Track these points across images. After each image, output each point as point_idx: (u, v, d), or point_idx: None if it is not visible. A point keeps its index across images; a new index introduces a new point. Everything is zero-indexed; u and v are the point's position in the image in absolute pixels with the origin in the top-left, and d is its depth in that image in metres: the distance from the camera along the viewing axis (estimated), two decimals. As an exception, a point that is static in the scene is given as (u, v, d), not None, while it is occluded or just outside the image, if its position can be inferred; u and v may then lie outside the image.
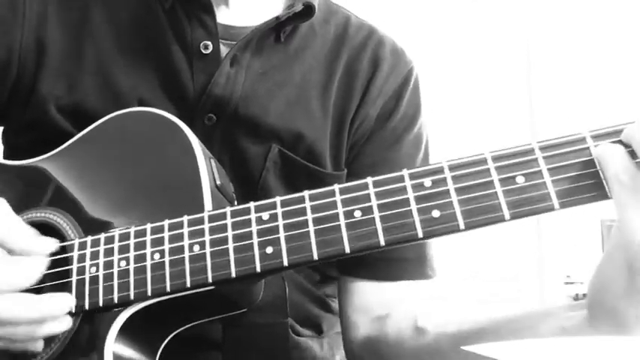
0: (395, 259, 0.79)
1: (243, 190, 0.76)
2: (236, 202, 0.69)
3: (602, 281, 0.51)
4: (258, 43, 0.78)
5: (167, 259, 0.58)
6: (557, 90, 2.73)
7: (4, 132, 0.86)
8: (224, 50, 0.78)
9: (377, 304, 0.79)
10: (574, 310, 0.56)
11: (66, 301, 0.58)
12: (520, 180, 0.51)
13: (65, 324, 0.58)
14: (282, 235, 0.55)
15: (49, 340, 0.60)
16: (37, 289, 0.65)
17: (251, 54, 0.78)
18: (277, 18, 0.78)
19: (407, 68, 0.86)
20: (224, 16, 0.79)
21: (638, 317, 0.48)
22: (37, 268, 0.59)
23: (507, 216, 0.50)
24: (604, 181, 0.49)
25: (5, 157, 0.81)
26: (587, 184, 0.49)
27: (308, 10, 0.79)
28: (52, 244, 0.61)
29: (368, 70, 0.83)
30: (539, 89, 2.84)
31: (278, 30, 0.79)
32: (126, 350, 0.60)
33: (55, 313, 0.57)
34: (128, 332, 0.60)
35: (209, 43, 0.76)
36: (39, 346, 0.59)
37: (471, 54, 2.77)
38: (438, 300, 0.80)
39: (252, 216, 0.57)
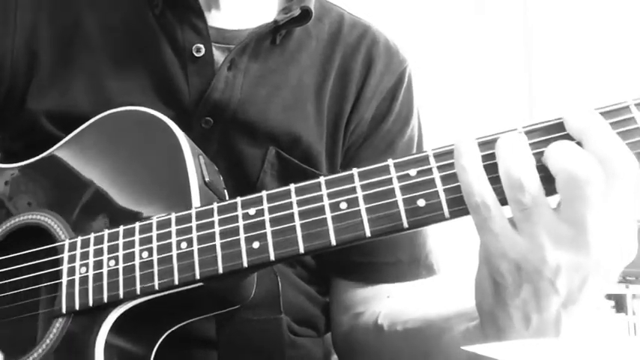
0: (388, 262, 0.80)
1: (240, 191, 0.75)
2: (227, 198, 0.69)
3: (478, 290, 0.53)
4: (255, 46, 0.78)
5: (155, 257, 0.58)
6: (556, 81, 2.71)
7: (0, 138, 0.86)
8: (217, 54, 0.78)
9: (358, 301, 0.80)
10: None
11: None
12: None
13: None
14: (268, 229, 0.55)
15: (38, 342, 0.60)
16: (30, 291, 0.65)
17: (248, 57, 0.78)
18: (275, 22, 0.78)
19: (401, 67, 0.85)
20: (215, 19, 0.79)
21: (510, 320, 0.51)
22: None
23: (493, 203, 0.49)
24: None
25: (2, 161, 0.81)
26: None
27: (305, 14, 0.78)
28: None
29: (362, 71, 0.82)
30: (538, 80, 2.82)
31: (274, 33, 0.79)
32: (118, 350, 0.60)
33: None
34: (120, 332, 0.60)
35: (201, 46, 0.76)
36: None
37: (470, 45, 2.76)
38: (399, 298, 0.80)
39: (239, 212, 0.57)
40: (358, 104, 0.81)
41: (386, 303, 0.78)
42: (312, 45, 0.82)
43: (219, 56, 0.78)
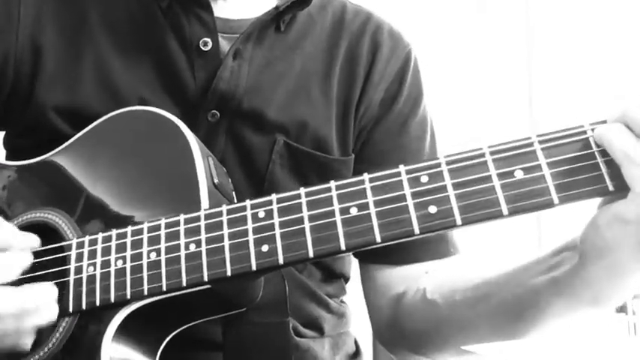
0: (415, 241, 0.77)
1: (250, 183, 0.76)
2: (235, 200, 0.69)
3: (606, 244, 0.51)
4: (259, 34, 0.78)
5: (163, 257, 0.58)
6: (557, 85, 2.70)
7: (4, 136, 0.86)
8: (223, 44, 0.78)
9: (395, 282, 0.79)
10: (558, 255, 0.58)
11: (47, 291, 0.59)
12: (519, 174, 0.50)
13: (50, 314, 0.59)
14: (277, 232, 0.55)
15: (45, 340, 0.60)
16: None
17: (253, 46, 0.78)
18: (276, 8, 0.78)
19: (405, 51, 0.86)
20: (221, 9, 0.79)
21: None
22: (18, 261, 0.60)
23: (505, 211, 0.49)
24: (605, 175, 0.48)
25: (7, 159, 0.81)
26: (587, 177, 0.48)
27: None
28: (34, 239, 0.63)
29: (368, 56, 0.83)
30: (539, 83, 2.81)
31: (277, 20, 0.80)
32: (124, 350, 0.60)
33: (39, 304, 0.58)
34: (125, 332, 0.60)
35: (208, 39, 0.76)
36: (28, 341, 0.59)
37: (471, 45, 2.75)
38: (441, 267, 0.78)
39: (248, 213, 0.57)
40: (367, 88, 0.82)
41: (426, 279, 0.77)
42: (316, 32, 0.83)
43: (225, 46, 0.78)
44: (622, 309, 3.03)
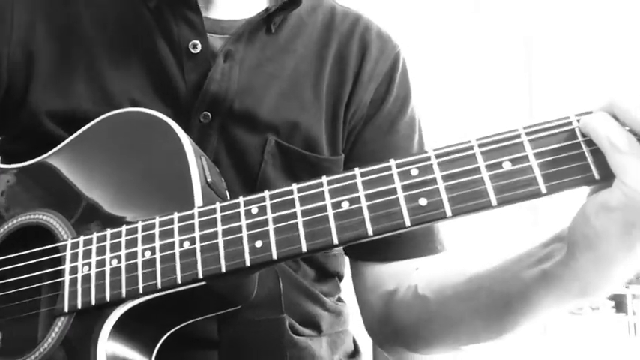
0: (403, 238, 0.79)
1: (242, 183, 0.77)
2: (229, 198, 0.69)
3: (594, 233, 0.51)
4: (250, 35, 0.79)
5: (158, 255, 0.58)
6: (556, 79, 2.72)
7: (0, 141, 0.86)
8: (214, 44, 0.78)
9: (386, 279, 0.80)
10: (547, 247, 0.58)
11: None
12: (506, 165, 0.50)
13: None
14: (270, 228, 0.55)
15: (40, 340, 0.60)
16: (32, 289, 0.65)
17: (244, 47, 0.78)
18: (267, 9, 0.79)
19: (394, 52, 0.87)
20: (211, 11, 0.80)
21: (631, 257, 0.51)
22: None
23: (494, 202, 0.50)
24: (591, 164, 0.49)
25: (3, 163, 0.81)
26: (573, 166, 0.49)
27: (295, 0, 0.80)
28: None
29: (357, 56, 0.84)
30: (538, 82, 2.82)
31: (268, 21, 0.80)
32: (119, 349, 0.60)
33: None
34: (121, 331, 0.60)
35: (197, 42, 0.77)
36: None
37: (470, 46, 2.76)
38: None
39: (242, 210, 0.57)
40: (356, 88, 0.83)
41: (417, 275, 0.77)
42: (306, 34, 0.84)
43: (215, 47, 0.78)
44: (622, 309, 3.03)
